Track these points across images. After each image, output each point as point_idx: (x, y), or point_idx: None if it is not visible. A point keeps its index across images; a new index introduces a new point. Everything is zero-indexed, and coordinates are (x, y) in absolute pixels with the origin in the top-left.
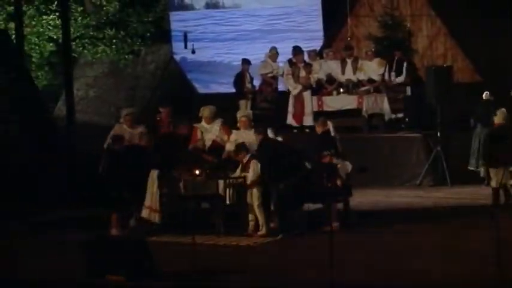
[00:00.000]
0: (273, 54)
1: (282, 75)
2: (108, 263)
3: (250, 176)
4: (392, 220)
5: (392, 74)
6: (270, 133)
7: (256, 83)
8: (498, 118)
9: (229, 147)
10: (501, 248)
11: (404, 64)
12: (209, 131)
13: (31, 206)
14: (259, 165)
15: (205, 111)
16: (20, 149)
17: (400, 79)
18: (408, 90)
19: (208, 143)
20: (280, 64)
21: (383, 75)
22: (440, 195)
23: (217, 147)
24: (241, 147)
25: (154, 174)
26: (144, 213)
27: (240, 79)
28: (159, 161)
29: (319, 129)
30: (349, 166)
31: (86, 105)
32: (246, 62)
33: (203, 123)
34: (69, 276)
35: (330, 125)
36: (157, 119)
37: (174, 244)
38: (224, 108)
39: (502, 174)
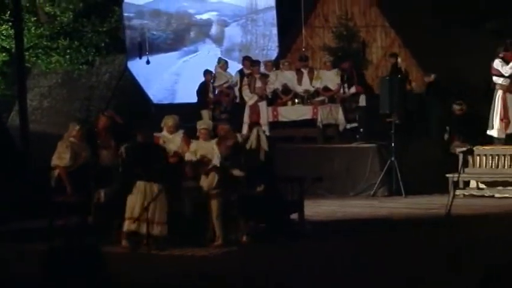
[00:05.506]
0: (223, 64)
1: (236, 84)
2: (62, 273)
3: (206, 185)
4: (347, 230)
5: (345, 85)
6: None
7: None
8: None
9: (189, 156)
10: (456, 256)
11: (354, 73)
12: (171, 141)
13: None
14: (217, 177)
15: (169, 120)
16: None
17: (353, 89)
18: (362, 100)
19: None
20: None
21: (339, 85)
22: (395, 205)
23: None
24: (202, 162)
25: (155, 187)
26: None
27: (203, 89)
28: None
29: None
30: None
31: (40, 116)
32: (208, 72)
33: (165, 133)
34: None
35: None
36: (95, 130)
37: (130, 254)
38: (180, 118)
39: None
